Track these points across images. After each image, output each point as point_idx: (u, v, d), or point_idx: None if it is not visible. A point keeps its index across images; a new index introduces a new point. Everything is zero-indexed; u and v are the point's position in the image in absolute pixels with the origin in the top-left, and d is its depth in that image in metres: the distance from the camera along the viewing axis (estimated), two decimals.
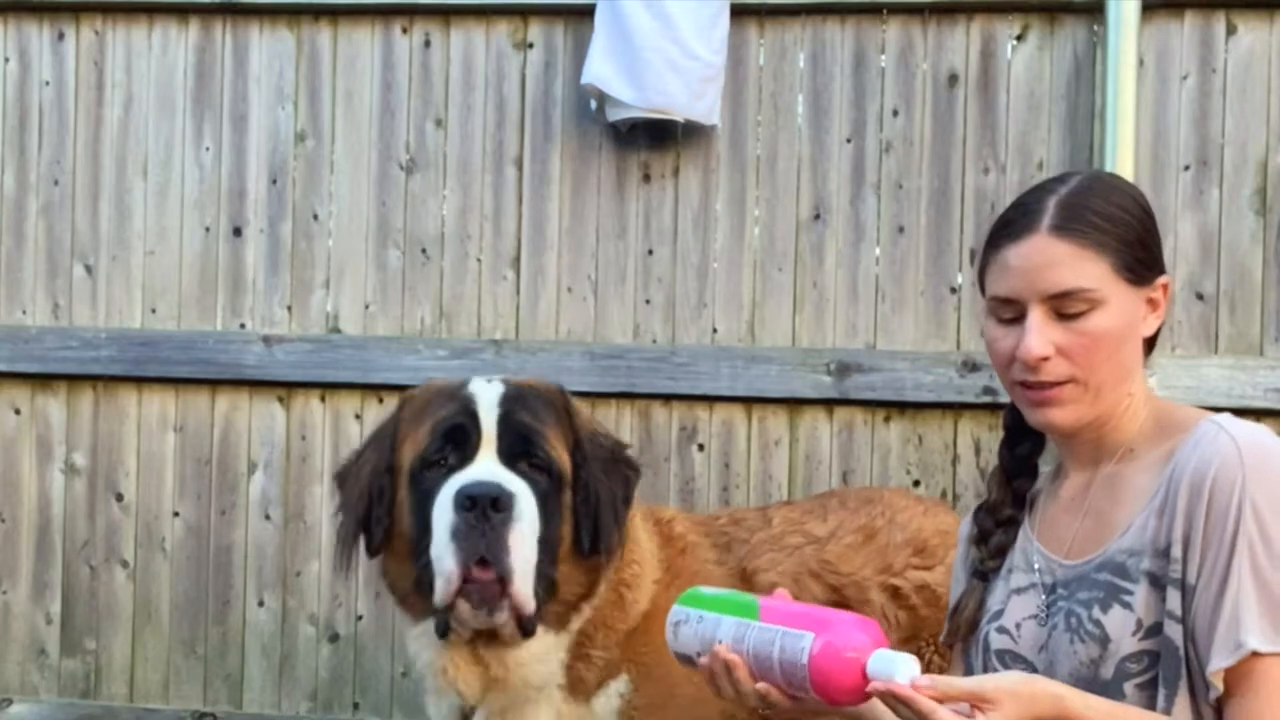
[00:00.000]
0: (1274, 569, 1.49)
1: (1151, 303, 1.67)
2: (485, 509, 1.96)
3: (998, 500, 1.81)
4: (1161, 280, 1.67)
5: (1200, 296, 3.13)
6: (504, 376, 2.23)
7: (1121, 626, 1.57)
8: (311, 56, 3.43)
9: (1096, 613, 1.59)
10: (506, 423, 2.09)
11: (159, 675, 3.44)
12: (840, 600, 2.37)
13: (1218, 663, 1.49)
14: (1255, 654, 1.48)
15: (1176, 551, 1.54)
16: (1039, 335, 1.62)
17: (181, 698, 3.41)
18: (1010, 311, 1.67)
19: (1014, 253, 1.66)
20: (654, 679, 2.20)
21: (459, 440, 2.08)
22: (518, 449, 2.09)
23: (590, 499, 2.12)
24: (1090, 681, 1.57)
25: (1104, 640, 1.58)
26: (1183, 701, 1.54)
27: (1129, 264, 1.63)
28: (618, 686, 2.20)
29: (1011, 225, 1.69)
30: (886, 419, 3.22)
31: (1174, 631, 1.54)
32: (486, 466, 2.05)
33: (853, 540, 2.45)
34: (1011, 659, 1.69)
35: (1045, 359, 1.62)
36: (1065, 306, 1.62)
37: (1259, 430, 1.57)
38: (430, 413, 2.14)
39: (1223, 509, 1.51)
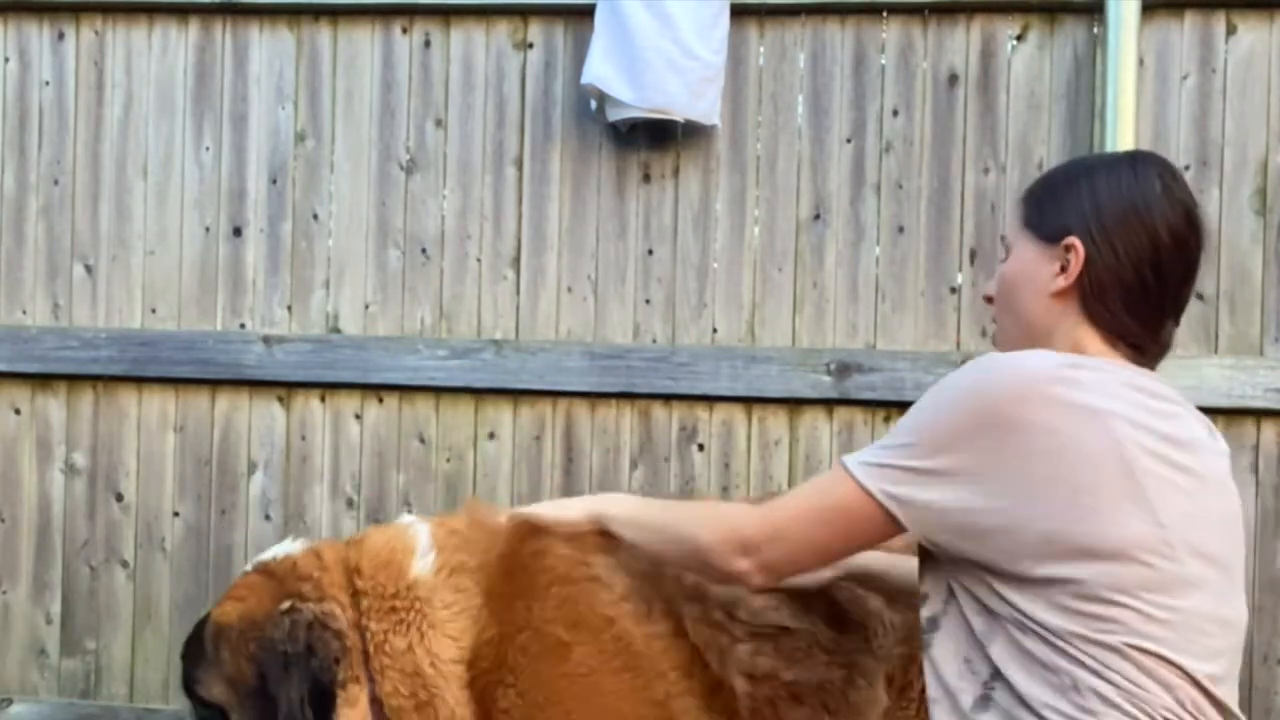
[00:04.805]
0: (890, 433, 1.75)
1: (1062, 265, 1.73)
2: None
3: None
4: (1066, 241, 1.73)
5: (1200, 296, 3.13)
6: (201, 618, 2.30)
7: None
8: (311, 56, 3.44)
9: None
10: (182, 671, 2.32)
11: (159, 675, 3.44)
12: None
13: None
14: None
15: None
16: (992, 280, 1.89)
17: (181, 698, 3.41)
18: None
19: None
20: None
21: None
22: (188, 696, 2.31)
23: (263, 713, 2.17)
24: None
25: None
26: None
27: (1028, 215, 1.79)
28: None
29: None
30: (886, 419, 3.22)
31: None
32: None
33: None
34: None
35: (989, 298, 1.87)
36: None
37: (997, 355, 1.73)
38: None
39: None
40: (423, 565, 2.20)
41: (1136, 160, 1.77)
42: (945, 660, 1.69)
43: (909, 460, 1.66)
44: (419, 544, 2.23)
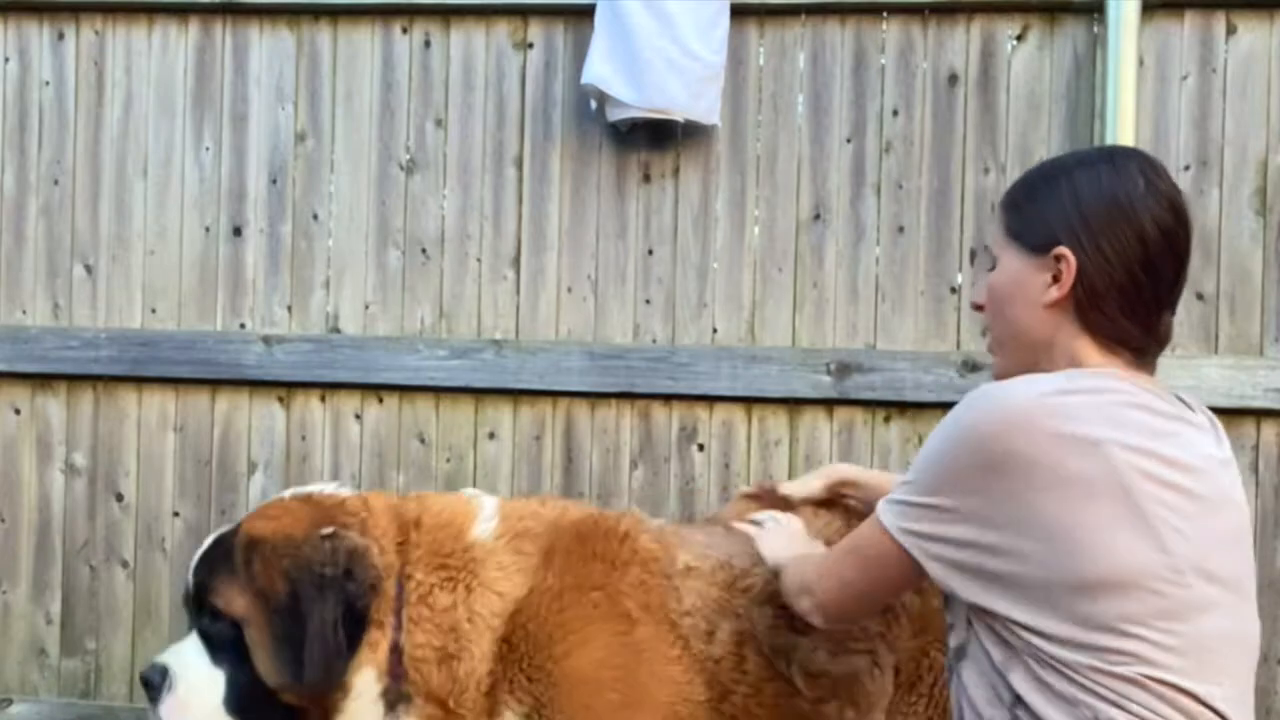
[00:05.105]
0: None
1: (1054, 275, 1.70)
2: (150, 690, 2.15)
3: None
4: (1056, 251, 1.69)
5: (1200, 296, 3.13)
6: (222, 532, 2.25)
7: None
8: (311, 56, 3.44)
9: None
10: (193, 582, 2.24)
11: None
12: None
13: None
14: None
15: None
16: (977, 286, 1.86)
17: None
18: None
19: None
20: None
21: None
22: (196, 608, 2.21)
23: (289, 631, 2.11)
24: None
25: None
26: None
27: (1010, 225, 1.76)
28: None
29: None
30: (886, 419, 3.22)
31: None
32: (182, 642, 2.22)
33: None
34: None
35: (977, 306, 1.85)
36: (986, 262, 1.84)
37: (988, 387, 1.67)
38: None
39: None
40: (483, 529, 2.26)
41: (1115, 156, 1.73)
42: (974, 688, 1.68)
43: (915, 496, 1.67)
44: (482, 511, 2.30)
